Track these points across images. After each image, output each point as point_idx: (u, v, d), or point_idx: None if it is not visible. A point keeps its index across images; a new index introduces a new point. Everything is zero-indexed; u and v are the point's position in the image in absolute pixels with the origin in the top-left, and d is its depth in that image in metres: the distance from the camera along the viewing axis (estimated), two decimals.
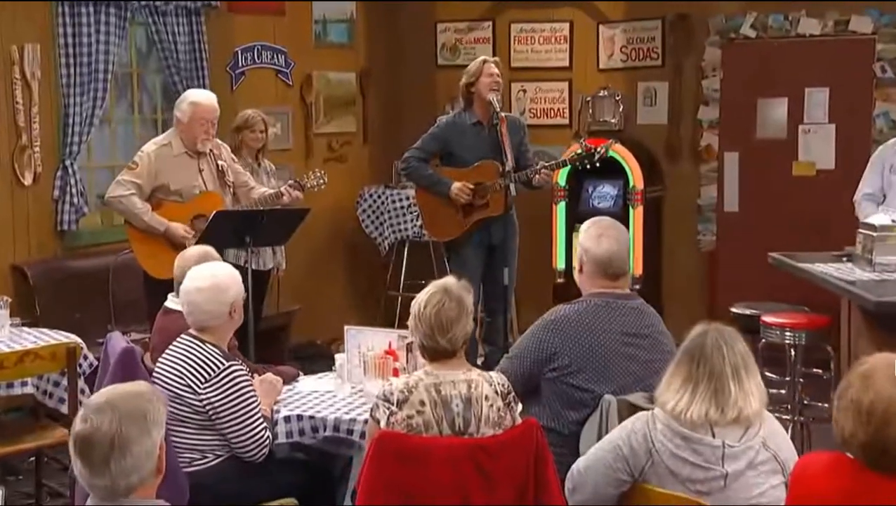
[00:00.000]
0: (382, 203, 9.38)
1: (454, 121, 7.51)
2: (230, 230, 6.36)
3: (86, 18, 7.42)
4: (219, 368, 4.42)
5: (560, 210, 9.22)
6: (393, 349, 4.78)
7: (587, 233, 4.54)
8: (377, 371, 4.70)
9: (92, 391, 5.27)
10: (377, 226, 9.45)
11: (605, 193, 9.14)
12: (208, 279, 4.54)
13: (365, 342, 4.89)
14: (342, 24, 9.64)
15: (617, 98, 9.40)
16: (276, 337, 8.17)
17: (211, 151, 6.84)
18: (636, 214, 9.02)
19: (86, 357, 5.68)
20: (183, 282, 4.59)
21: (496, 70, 7.36)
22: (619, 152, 8.85)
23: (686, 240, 9.36)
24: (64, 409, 5.54)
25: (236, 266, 6.63)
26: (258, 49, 8.87)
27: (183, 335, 4.58)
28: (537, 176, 7.24)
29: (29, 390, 5.53)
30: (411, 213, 9.21)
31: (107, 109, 7.76)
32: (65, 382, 5.51)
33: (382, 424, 3.89)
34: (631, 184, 8.90)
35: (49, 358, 5.31)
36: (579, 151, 7.36)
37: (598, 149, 7.28)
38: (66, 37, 7.38)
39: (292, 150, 9.19)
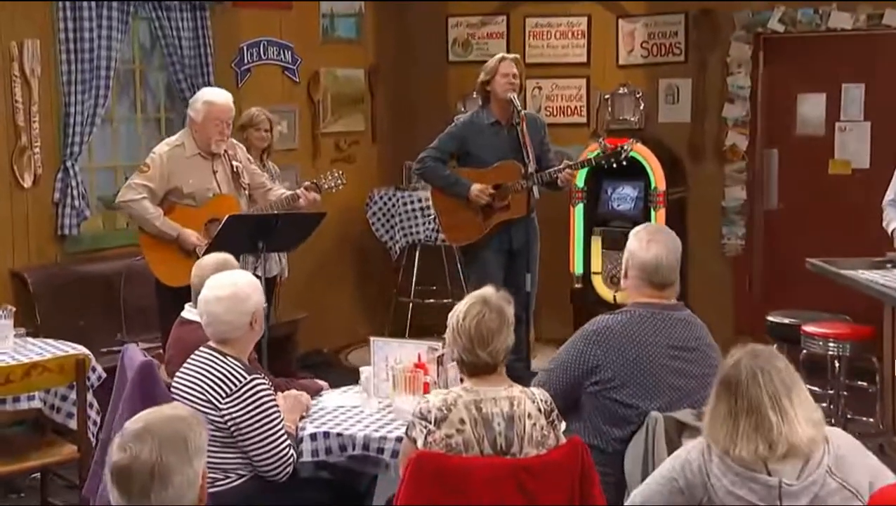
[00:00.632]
0: (393, 205, 9.29)
1: (471, 120, 7.43)
2: (244, 235, 6.27)
3: (87, 13, 7.33)
4: (240, 382, 4.33)
5: (578, 212, 9.15)
6: (423, 362, 4.68)
7: (636, 237, 4.46)
8: (407, 386, 4.60)
9: (103, 406, 5.19)
10: (388, 229, 9.37)
11: (625, 194, 9.05)
12: (228, 288, 4.45)
13: (392, 355, 4.81)
14: (350, 19, 9.55)
15: (637, 95, 9.33)
16: (283, 346, 8.06)
17: (225, 151, 6.76)
18: (658, 217, 8.93)
19: (94, 369, 5.60)
20: (201, 291, 4.50)
21: (514, 69, 7.27)
22: (640, 152, 8.77)
23: (710, 244, 9.27)
24: (72, 424, 5.45)
25: None
26: (264, 45, 8.78)
27: (202, 348, 4.49)
28: (561, 176, 7.16)
29: (36, 404, 5.43)
30: (424, 215, 9.14)
31: (108, 108, 7.66)
32: (73, 395, 5.42)
33: (420, 443, 3.80)
34: (653, 185, 8.81)
35: (57, 371, 5.22)
36: (601, 150, 7.30)
37: (625, 146, 7.19)
38: (67, 32, 7.29)
39: (298, 149, 9.10)
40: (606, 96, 9.43)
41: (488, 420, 3.79)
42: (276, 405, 4.43)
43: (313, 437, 4.51)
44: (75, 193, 7.34)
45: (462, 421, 3.79)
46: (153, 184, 6.57)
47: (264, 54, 8.78)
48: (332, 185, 6.96)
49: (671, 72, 9.32)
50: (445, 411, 3.81)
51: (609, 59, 9.56)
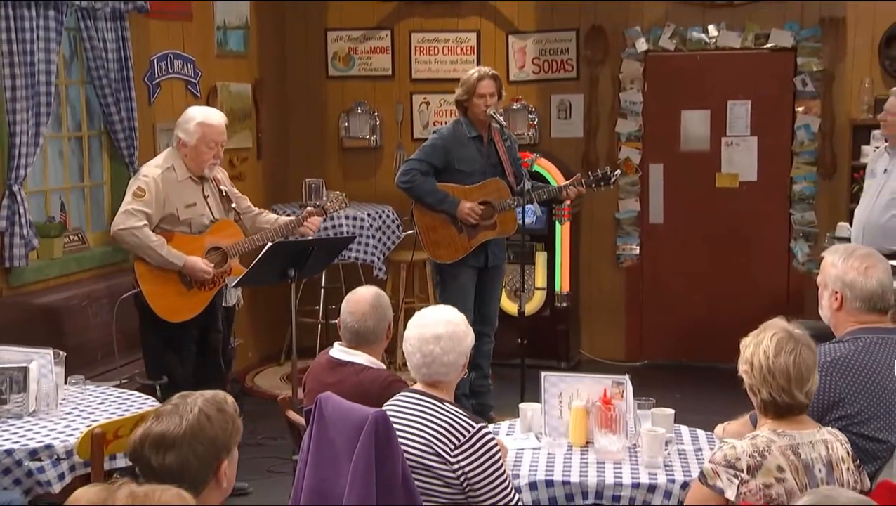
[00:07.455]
0: None
1: (453, 131, 6.94)
2: (280, 263, 5.61)
3: (28, 23, 6.32)
4: (469, 430, 3.72)
5: None
6: (609, 397, 4.19)
7: (847, 265, 4.05)
8: (604, 424, 4.10)
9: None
10: None
11: (528, 208, 8.63)
12: (445, 325, 3.84)
13: (568, 390, 4.29)
14: (239, 32, 8.76)
15: (530, 111, 9.01)
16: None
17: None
18: (563, 231, 8.67)
19: None
20: (409, 330, 3.85)
21: (492, 88, 6.86)
22: (544, 166, 8.51)
23: (605, 255, 9.07)
24: None
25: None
26: (170, 58, 7.90)
27: (407, 393, 3.86)
28: (569, 190, 6.95)
29: (119, 463, 4.52)
30: (336, 235, 8.44)
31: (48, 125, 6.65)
32: None
33: (730, 494, 3.38)
34: None
35: None
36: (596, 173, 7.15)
37: (616, 172, 7.20)
38: (10, 43, 6.24)
39: None
40: (499, 112, 9.02)
41: (809, 467, 3.39)
42: (501, 453, 3.84)
43: (532, 486, 3.93)
44: (23, 220, 6.34)
45: (780, 468, 3.37)
46: (150, 210, 5.81)
47: (171, 68, 7.91)
48: (337, 207, 6.34)
49: (563, 88, 9.05)
50: (759, 458, 3.38)
51: (500, 75, 9.10)
